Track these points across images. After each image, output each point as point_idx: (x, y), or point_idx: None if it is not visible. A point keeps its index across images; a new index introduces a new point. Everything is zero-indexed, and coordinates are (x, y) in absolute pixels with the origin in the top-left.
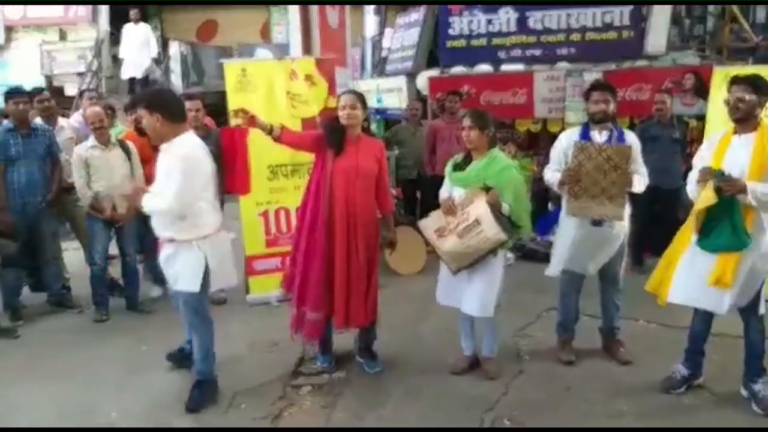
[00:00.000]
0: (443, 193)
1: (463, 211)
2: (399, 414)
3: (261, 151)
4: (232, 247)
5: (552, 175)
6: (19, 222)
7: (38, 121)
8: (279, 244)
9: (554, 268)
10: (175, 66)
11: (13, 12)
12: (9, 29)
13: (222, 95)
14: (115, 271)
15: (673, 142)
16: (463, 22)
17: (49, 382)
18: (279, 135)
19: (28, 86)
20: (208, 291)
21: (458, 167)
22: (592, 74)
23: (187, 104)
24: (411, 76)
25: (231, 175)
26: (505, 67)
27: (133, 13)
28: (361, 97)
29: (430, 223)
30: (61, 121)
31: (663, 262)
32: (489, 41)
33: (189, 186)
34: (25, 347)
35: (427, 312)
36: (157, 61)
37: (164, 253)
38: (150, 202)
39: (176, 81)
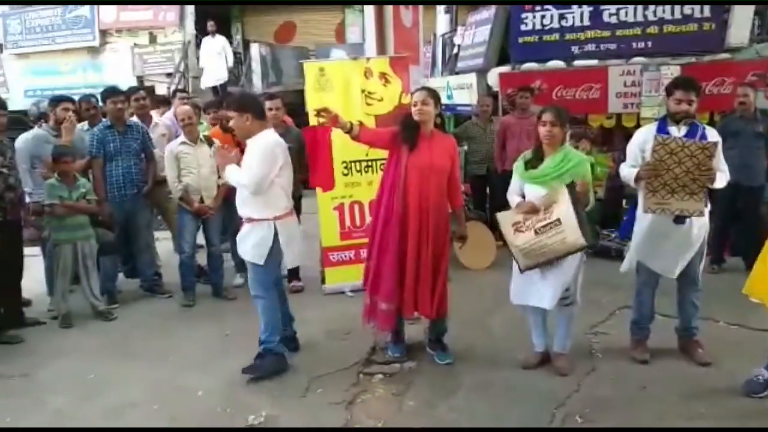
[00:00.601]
0: (512, 191)
1: (546, 210)
2: (470, 404)
3: (336, 147)
4: (305, 238)
5: (628, 171)
6: (117, 213)
7: (134, 119)
8: (353, 237)
9: (628, 264)
10: (256, 67)
11: (108, 17)
12: (103, 33)
13: (300, 94)
14: (201, 259)
15: (756, 137)
16: (536, 18)
17: (141, 361)
18: (358, 133)
19: (122, 86)
20: (274, 267)
21: (529, 164)
22: (670, 68)
23: (268, 103)
24: (482, 72)
25: (314, 172)
26: (579, 63)
27: (210, 25)
28: (433, 94)
29: (508, 216)
30: (155, 118)
31: (761, 265)
32: (562, 36)
33: (266, 170)
34: (119, 328)
35: (496, 306)
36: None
37: (242, 231)
38: (234, 173)
39: (257, 81)
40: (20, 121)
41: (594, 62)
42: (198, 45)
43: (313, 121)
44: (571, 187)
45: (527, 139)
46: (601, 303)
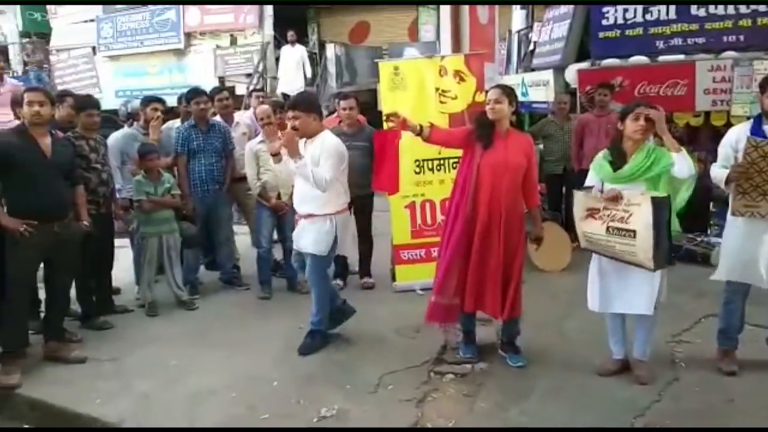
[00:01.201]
0: (590, 183)
1: (627, 207)
2: (543, 409)
3: (408, 145)
4: (375, 236)
5: (719, 172)
6: (199, 207)
7: (217, 118)
8: (424, 236)
9: (722, 275)
10: (331, 67)
11: (192, 20)
12: (188, 36)
13: (372, 93)
14: (277, 254)
15: None
16: (618, 12)
17: (219, 350)
18: (428, 135)
19: (205, 87)
20: (331, 258)
21: (613, 164)
22: (764, 63)
23: (342, 103)
24: (559, 69)
25: (379, 175)
26: (663, 58)
27: (290, 35)
28: (508, 91)
29: (588, 198)
30: (237, 117)
31: None
32: (645, 31)
33: (336, 169)
34: (200, 318)
35: (571, 310)
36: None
37: (300, 226)
38: (307, 168)
39: (331, 81)
40: (111, 120)
41: (680, 57)
42: (276, 46)
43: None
44: (659, 203)
45: (606, 137)
46: (685, 310)
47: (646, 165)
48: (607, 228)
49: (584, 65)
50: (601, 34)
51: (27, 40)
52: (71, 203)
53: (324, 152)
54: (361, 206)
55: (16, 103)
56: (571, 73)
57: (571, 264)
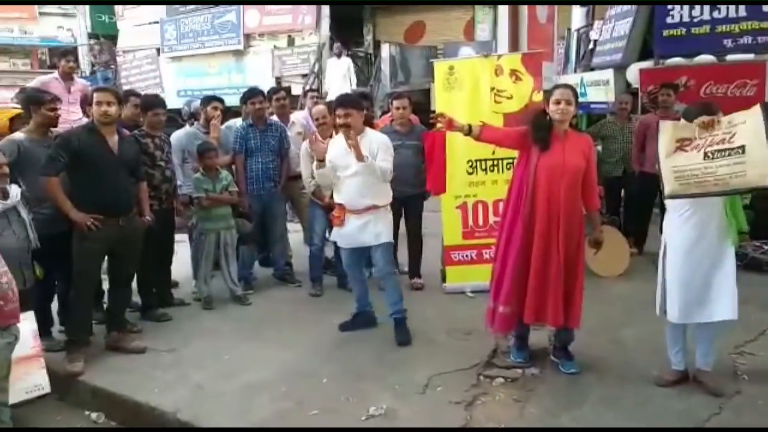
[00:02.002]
0: None
1: (729, 128)
2: (597, 418)
3: (461, 145)
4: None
5: None
6: (255, 205)
7: (274, 118)
8: (475, 237)
9: None
10: (385, 67)
11: (251, 21)
12: (247, 37)
13: (426, 93)
14: (329, 252)
15: None
16: (684, 10)
17: (271, 345)
18: (478, 134)
19: (262, 87)
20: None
21: None
22: None
23: (395, 102)
24: (620, 68)
25: (430, 175)
26: (732, 57)
27: (336, 47)
28: (574, 92)
29: (677, 128)
30: (293, 117)
31: None
32: (713, 29)
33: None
34: (254, 313)
35: (628, 317)
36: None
37: (363, 220)
38: (375, 166)
39: (385, 81)
40: (173, 119)
41: (750, 56)
42: (332, 47)
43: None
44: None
45: None
46: (749, 321)
47: None
48: (705, 154)
49: (647, 64)
50: (665, 32)
51: (95, 41)
52: (135, 199)
53: (381, 145)
54: (412, 206)
55: (86, 102)
56: (632, 73)
57: (629, 270)
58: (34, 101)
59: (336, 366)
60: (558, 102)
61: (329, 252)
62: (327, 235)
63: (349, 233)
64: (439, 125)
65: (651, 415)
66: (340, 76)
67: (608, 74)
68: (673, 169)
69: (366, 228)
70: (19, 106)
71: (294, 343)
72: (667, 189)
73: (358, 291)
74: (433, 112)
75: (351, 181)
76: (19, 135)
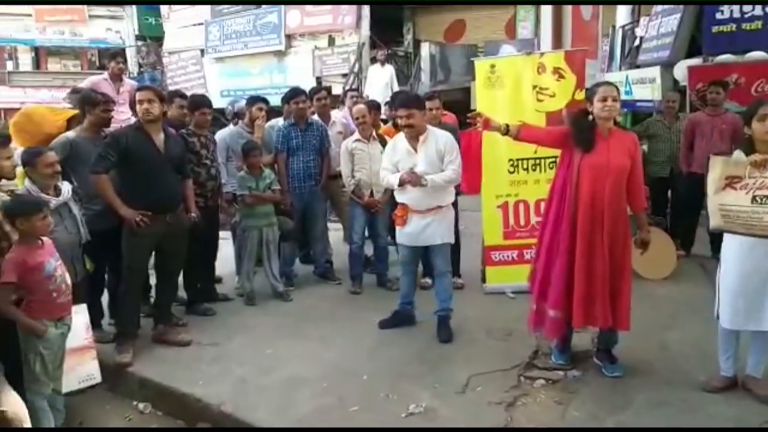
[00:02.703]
0: None
1: None
2: (641, 423)
3: (502, 144)
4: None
5: None
6: (296, 203)
7: (315, 117)
8: (516, 237)
9: None
10: (425, 66)
11: (293, 22)
12: (289, 37)
13: (466, 92)
14: (368, 250)
15: None
16: (734, 6)
17: (312, 341)
18: (516, 133)
19: (304, 87)
20: None
21: None
22: None
23: (428, 103)
24: (667, 65)
25: (466, 174)
26: None
27: (380, 54)
28: (617, 89)
29: (728, 164)
30: (333, 116)
31: None
32: (764, 24)
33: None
34: (294, 310)
35: (674, 321)
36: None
37: (426, 220)
38: (438, 182)
39: (425, 79)
40: (216, 119)
41: None
42: (372, 46)
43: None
44: None
45: (720, 138)
46: None
47: None
48: (753, 198)
49: (695, 61)
50: (714, 29)
51: (142, 43)
52: (182, 196)
53: (447, 145)
54: None
55: (134, 102)
56: (680, 70)
57: (675, 273)
58: (89, 102)
59: (376, 364)
60: (605, 99)
61: (369, 250)
62: (366, 233)
63: (412, 233)
64: (476, 125)
65: (697, 420)
66: (382, 84)
67: (655, 72)
68: (720, 206)
69: (429, 228)
70: (71, 105)
71: (334, 340)
72: (712, 223)
73: (406, 286)
74: (473, 110)
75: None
76: (71, 133)
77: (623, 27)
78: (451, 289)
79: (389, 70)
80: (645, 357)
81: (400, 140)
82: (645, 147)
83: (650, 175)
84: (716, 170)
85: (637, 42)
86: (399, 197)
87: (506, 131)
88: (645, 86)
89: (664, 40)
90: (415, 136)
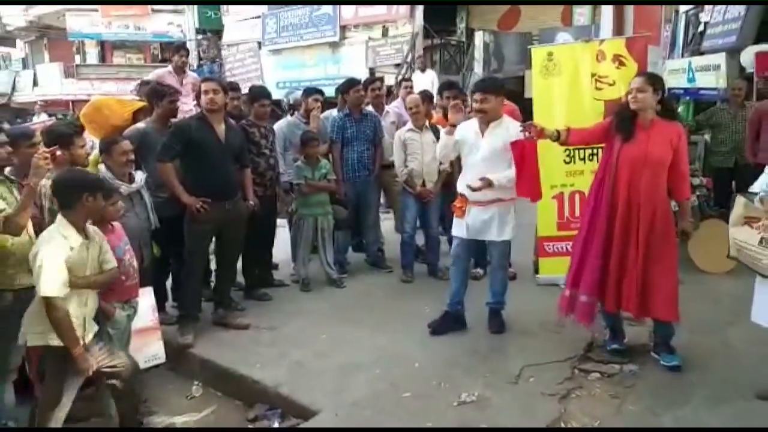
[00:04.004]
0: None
1: None
2: (700, 420)
3: None
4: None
5: None
6: (350, 192)
7: (369, 108)
8: (571, 228)
9: None
10: (478, 55)
11: (347, 13)
12: (343, 29)
13: (520, 80)
14: (419, 240)
15: None
16: None
17: (365, 328)
18: (566, 139)
19: (357, 78)
20: None
21: None
22: None
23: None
24: (733, 52)
25: (522, 183)
26: None
27: (420, 61)
28: (652, 79)
29: (749, 205)
30: (387, 107)
31: None
32: None
33: None
34: (347, 296)
35: (736, 317)
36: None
37: (488, 213)
38: (504, 180)
39: (478, 69)
40: (273, 111)
41: None
42: (425, 36)
43: (537, 108)
44: None
45: None
46: None
47: None
48: (761, 239)
49: (764, 47)
50: None
51: (202, 36)
52: (241, 184)
53: (519, 137)
54: None
55: (197, 93)
56: (748, 56)
57: (738, 267)
58: (158, 94)
59: (428, 352)
60: (630, 91)
61: (420, 240)
62: (418, 223)
63: (471, 225)
64: (528, 135)
65: (758, 421)
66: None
67: (720, 58)
68: (735, 240)
69: (491, 223)
70: (139, 97)
71: (387, 327)
72: (731, 252)
73: (456, 284)
74: (529, 100)
75: (477, 168)
76: (141, 124)
77: (687, 12)
78: (505, 284)
79: (430, 75)
80: (706, 353)
81: (471, 123)
82: (708, 137)
83: (713, 166)
84: (738, 209)
85: (701, 28)
86: (460, 188)
87: (557, 137)
88: (709, 73)
89: (730, 26)
90: (486, 121)
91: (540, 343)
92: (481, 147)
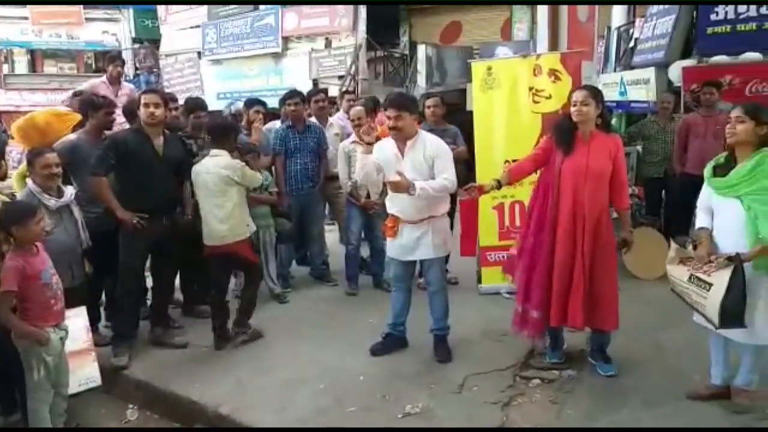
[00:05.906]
0: (701, 203)
1: (715, 261)
2: (636, 422)
3: (498, 144)
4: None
5: None
6: (293, 205)
7: (312, 119)
8: (511, 238)
9: None
10: (421, 68)
11: (290, 24)
12: (286, 40)
13: (462, 93)
14: (364, 251)
15: None
16: (729, 7)
17: (309, 342)
18: (507, 179)
19: (300, 89)
20: None
21: (718, 170)
22: None
23: (428, 101)
24: (662, 66)
25: (467, 241)
26: None
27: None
28: (594, 93)
29: (682, 249)
30: (331, 119)
31: None
32: (760, 25)
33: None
34: (290, 311)
35: (668, 321)
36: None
37: (419, 231)
38: (428, 191)
39: (421, 81)
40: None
41: None
42: (368, 48)
43: (478, 121)
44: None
45: (714, 139)
46: None
47: (750, 176)
48: (690, 277)
49: (690, 62)
50: (709, 30)
51: (139, 45)
52: (179, 198)
53: (438, 151)
54: None
55: (130, 107)
56: (675, 71)
57: None
58: (93, 105)
59: (373, 364)
60: (575, 104)
61: (365, 252)
62: (362, 234)
63: (404, 245)
64: (470, 195)
65: (693, 421)
66: None
67: (650, 73)
68: (670, 276)
69: (422, 240)
70: (71, 109)
71: (331, 341)
72: (671, 285)
73: (398, 306)
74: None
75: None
76: (73, 136)
77: (618, 28)
78: (446, 306)
79: None
80: (639, 357)
81: (388, 143)
82: (639, 148)
83: (645, 176)
84: (675, 248)
85: (632, 43)
86: (390, 208)
87: (499, 185)
88: (640, 87)
89: (659, 42)
90: (402, 139)
91: (483, 352)
92: (405, 169)
